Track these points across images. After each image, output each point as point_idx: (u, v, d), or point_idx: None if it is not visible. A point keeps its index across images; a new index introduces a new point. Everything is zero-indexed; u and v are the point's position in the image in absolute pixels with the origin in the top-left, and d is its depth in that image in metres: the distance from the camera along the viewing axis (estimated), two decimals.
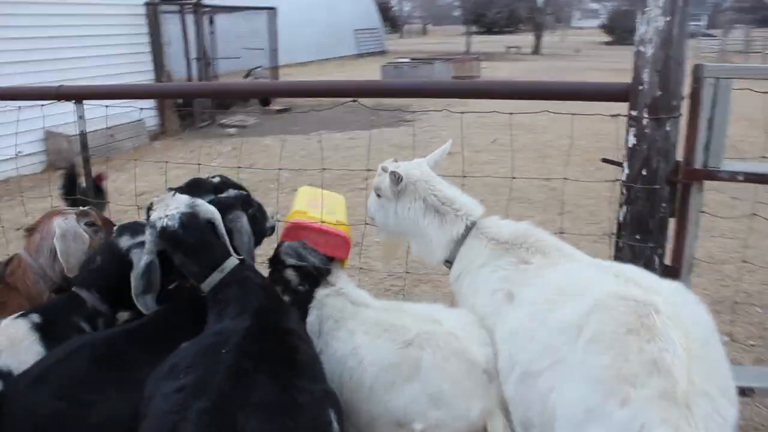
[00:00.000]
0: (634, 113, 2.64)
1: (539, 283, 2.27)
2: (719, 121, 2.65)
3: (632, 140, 2.66)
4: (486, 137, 11.14)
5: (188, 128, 13.97)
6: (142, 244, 2.58)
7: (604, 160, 2.95)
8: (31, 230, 2.92)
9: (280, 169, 8.22)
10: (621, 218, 2.77)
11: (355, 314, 2.68)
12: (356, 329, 2.60)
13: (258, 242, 2.94)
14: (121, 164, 10.45)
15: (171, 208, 2.45)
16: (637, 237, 2.71)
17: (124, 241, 2.68)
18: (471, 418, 2.25)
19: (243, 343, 1.94)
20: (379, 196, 2.92)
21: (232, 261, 2.46)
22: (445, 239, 2.70)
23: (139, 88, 3.52)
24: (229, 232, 2.62)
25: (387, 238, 3.05)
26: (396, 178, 2.71)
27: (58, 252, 2.78)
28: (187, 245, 2.43)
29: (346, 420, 2.60)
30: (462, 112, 3.40)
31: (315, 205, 3.26)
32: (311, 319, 2.81)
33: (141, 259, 2.50)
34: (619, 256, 2.78)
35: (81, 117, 3.74)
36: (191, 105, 13.83)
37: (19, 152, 10.07)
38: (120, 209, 8.12)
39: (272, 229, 3.11)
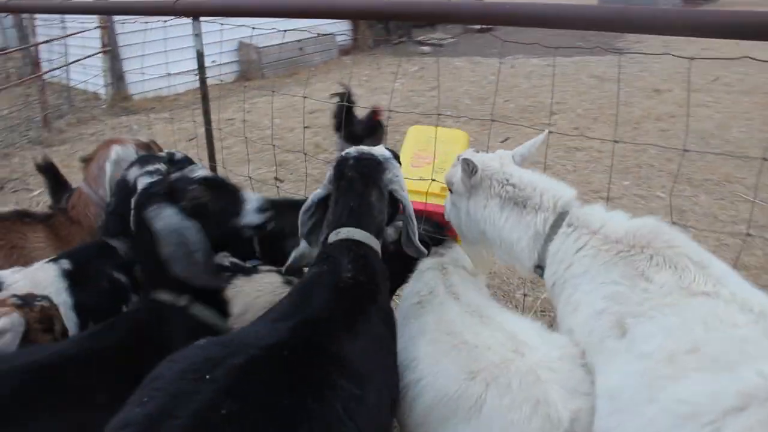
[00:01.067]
0: None
1: (665, 320, 1.54)
2: None
3: None
4: (706, 75, 9.52)
5: (382, 44, 13.64)
6: (151, 173, 2.18)
7: None
8: (88, 160, 2.70)
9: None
10: None
11: (438, 306, 2.17)
12: (427, 330, 2.07)
13: (220, 246, 2.27)
14: (305, 79, 10.42)
15: (366, 149, 2.27)
16: None
17: (132, 173, 2.28)
18: None
19: (240, 371, 1.44)
20: (451, 191, 2.34)
21: (350, 231, 2.07)
22: (528, 234, 2.03)
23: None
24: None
25: (467, 244, 2.41)
26: (470, 168, 2.12)
27: (107, 176, 2.52)
28: (343, 183, 2.18)
29: None
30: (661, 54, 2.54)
31: (427, 157, 2.68)
32: (405, 293, 2.40)
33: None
34: None
35: (198, 35, 3.43)
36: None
37: (213, 61, 10.37)
38: (286, 127, 8.08)
39: (257, 227, 2.30)
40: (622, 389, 1.51)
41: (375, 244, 2.14)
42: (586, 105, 8.35)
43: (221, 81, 10.41)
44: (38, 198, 6.40)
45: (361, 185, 2.17)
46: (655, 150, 6.59)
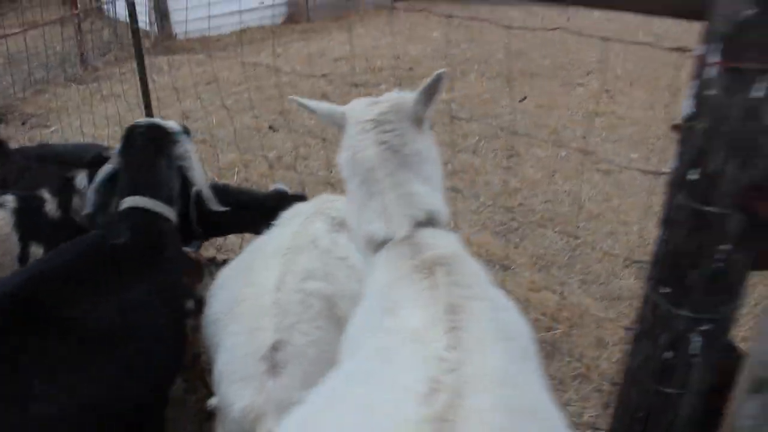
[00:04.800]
0: (700, 50, 1.31)
1: (354, 365, 1.34)
2: None
3: (689, 105, 1.34)
4: None
5: None
6: None
7: (676, 128, 1.64)
8: None
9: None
10: (657, 247, 1.49)
11: (281, 231, 2.22)
12: (248, 251, 2.26)
13: None
14: (348, 25, 10.07)
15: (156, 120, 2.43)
16: (666, 291, 1.43)
17: None
18: (235, 411, 1.73)
19: None
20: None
21: (136, 200, 2.17)
22: (360, 232, 1.57)
23: None
24: None
25: None
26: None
27: None
28: (131, 152, 2.31)
29: None
30: None
31: None
32: None
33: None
34: (644, 314, 1.53)
35: None
36: None
37: (261, 2, 10.12)
38: (305, 74, 7.77)
39: None
40: (308, 413, 1.28)
41: (167, 210, 2.19)
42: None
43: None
44: (53, 135, 6.48)
45: (150, 155, 2.24)
46: None
